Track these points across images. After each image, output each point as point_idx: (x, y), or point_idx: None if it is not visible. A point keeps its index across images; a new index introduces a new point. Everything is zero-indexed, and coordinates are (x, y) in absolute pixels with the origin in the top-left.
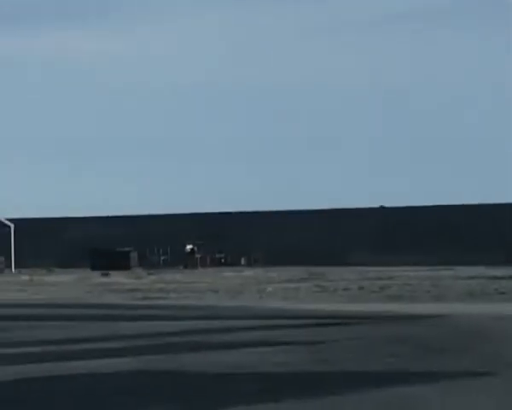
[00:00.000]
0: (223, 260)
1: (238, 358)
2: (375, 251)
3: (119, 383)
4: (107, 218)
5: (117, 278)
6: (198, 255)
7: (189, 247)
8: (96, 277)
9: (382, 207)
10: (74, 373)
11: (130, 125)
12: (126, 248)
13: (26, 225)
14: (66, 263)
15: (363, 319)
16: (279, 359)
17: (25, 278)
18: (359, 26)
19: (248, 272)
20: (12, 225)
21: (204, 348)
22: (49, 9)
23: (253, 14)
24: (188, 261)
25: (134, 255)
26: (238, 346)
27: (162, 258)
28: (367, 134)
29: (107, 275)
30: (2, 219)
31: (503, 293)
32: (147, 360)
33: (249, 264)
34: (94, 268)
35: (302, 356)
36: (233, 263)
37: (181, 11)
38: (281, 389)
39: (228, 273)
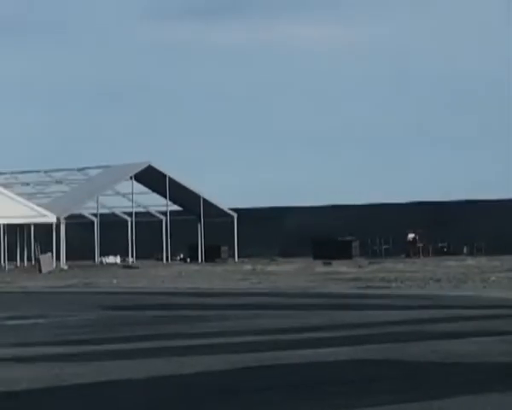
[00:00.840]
0: (445, 249)
1: (461, 347)
2: None
3: (336, 372)
4: (327, 207)
5: (339, 267)
6: (420, 244)
7: (410, 236)
8: (317, 266)
9: None
10: (292, 362)
11: (348, 119)
12: (348, 238)
13: (248, 215)
14: (287, 252)
15: None
16: (502, 348)
17: (247, 267)
18: None
19: (471, 262)
20: (235, 215)
21: (427, 337)
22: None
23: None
24: (409, 250)
25: (356, 245)
26: (462, 335)
27: (384, 247)
28: None
29: (329, 264)
30: (226, 209)
31: None
32: (367, 350)
33: (471, 253)
34: (316, 257)
35: None
36: (455, 252)
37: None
38: (506, 380)
39: (450, 262)
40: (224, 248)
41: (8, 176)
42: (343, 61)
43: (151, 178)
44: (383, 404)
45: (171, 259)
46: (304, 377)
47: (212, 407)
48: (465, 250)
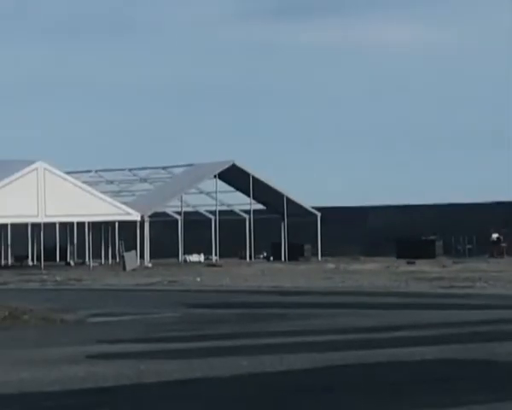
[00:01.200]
0: None
1: None
2: None
3: (421, 371)
4: (409, 206)
5: (422, 266)
6: (504, 244)
7: (494, 236)
8: (401, 265)
9: None
10: (375, 361)
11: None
12: (431, 237)
13: (331, 214)
14: (370, 251)
15: None
16: None
17: (331, 266)
18: None
19: None
20: (318, 214)
21: None
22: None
23: None
24: (493, 250)
25: (439, 244)
26: None
27: (467, 247)
28: None
29: (412, 263)
30: (309, 208)
31: None
32: (452, 349)
33: None
34: (399, 256)
35: None
36: None
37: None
38: None
39: None
40: (307, 247)
41: (93, 174)
42: (435, 61)
43: (235, 176)
44: (468, 404)
45: (255, 257)
46: (387, 376)
47: (294, 405)
48: None
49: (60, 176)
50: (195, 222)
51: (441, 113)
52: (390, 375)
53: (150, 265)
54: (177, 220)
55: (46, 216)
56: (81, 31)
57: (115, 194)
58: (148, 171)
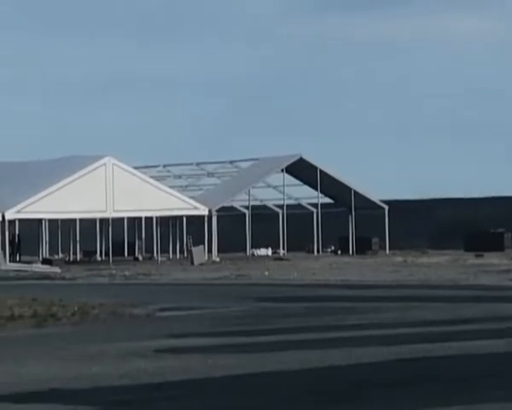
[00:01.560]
0: None
1: None
2: None
3: (490, 365)
4: (476, 199)
5: (490, 259)
6: None
7: None
8: (469, 258)
9: None
10: (444, 355)
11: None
12: (499, 230)
13: (399, 207)
14: (437, 244)
15: None
16: None
17: (398, 259)
18: None
19: None
20: (386, 207)
21: None
22: None
23: None
24: None
25: (507, 236)
26: None
27: None
28: None
29: (480, 256)
30: (377, 201)
31: None
32: None
33: None
34: (467, 249)
35: None
36: None
37: None
38: None
39: None
40: (375, 241)
41: (160, 169)
42: (503, 55)
43: (302, 170)
44: None
45: (322, 251)
46: (456, 369)
47: (366, 398)
48: None
49: (128, 171)
50: (263, 216)
51: (499, 104)
52: (459, 368)
53: (218, 259)
54: (244, 214)
55: (114, 211)
56: (142, 27)
57: (183, 188)
58: (215, 165)
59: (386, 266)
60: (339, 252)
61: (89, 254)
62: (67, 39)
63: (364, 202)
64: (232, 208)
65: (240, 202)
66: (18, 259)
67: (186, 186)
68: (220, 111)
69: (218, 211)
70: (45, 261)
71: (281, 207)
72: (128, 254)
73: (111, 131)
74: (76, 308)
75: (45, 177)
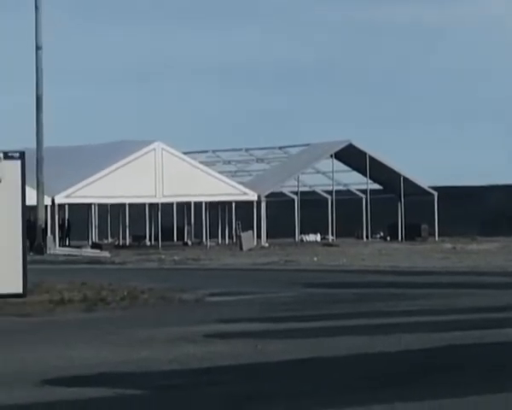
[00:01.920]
0: None
1: None
2: None
3: None
4: None
5: None
6: None
7: None
8: None
9: None
10: (495, 341)
11: None
12: None
13: (449, 193)
14: (488, 231)
15: None
16: None
17: (448, 246)
18: None
19: None
20: (435, 193)
21: None
22: None
23: None
24: None
25: None
26: None
27: None
28: None
29: None
30: (426, 187)
31: None
32: None
33: None
34: None
35: None
36: None
37: None
38: None
39: None
40: (425, 227)
41: (210, 154)
42: None
43: (351, 156)
44: None
45: (371, 237)
46: (506, 356)
47: (419, 383)
48: None
49: (177, 156)
50: (312, 202)
51: None
52: (509, 355)
53: (267, 244)
54: (293, 200)
55: (164, 196)
56: (192, 13)
57: (232, 174)
58: (264, 151)
59: (435, 253)
60: (388, 238)
61: (138, 238)
62: (118, 29)
63: (413, 189)
64: (281, 194)
65: (289, 187)
66: (67, 243)
67: (235, 172)
68: (269, 96)
69: (267, 197)
70: (95, 246)
71: (330, 193)
72: (177, 239)
73: (161, 117)
74: (125, 293)
75: (95, 162)
